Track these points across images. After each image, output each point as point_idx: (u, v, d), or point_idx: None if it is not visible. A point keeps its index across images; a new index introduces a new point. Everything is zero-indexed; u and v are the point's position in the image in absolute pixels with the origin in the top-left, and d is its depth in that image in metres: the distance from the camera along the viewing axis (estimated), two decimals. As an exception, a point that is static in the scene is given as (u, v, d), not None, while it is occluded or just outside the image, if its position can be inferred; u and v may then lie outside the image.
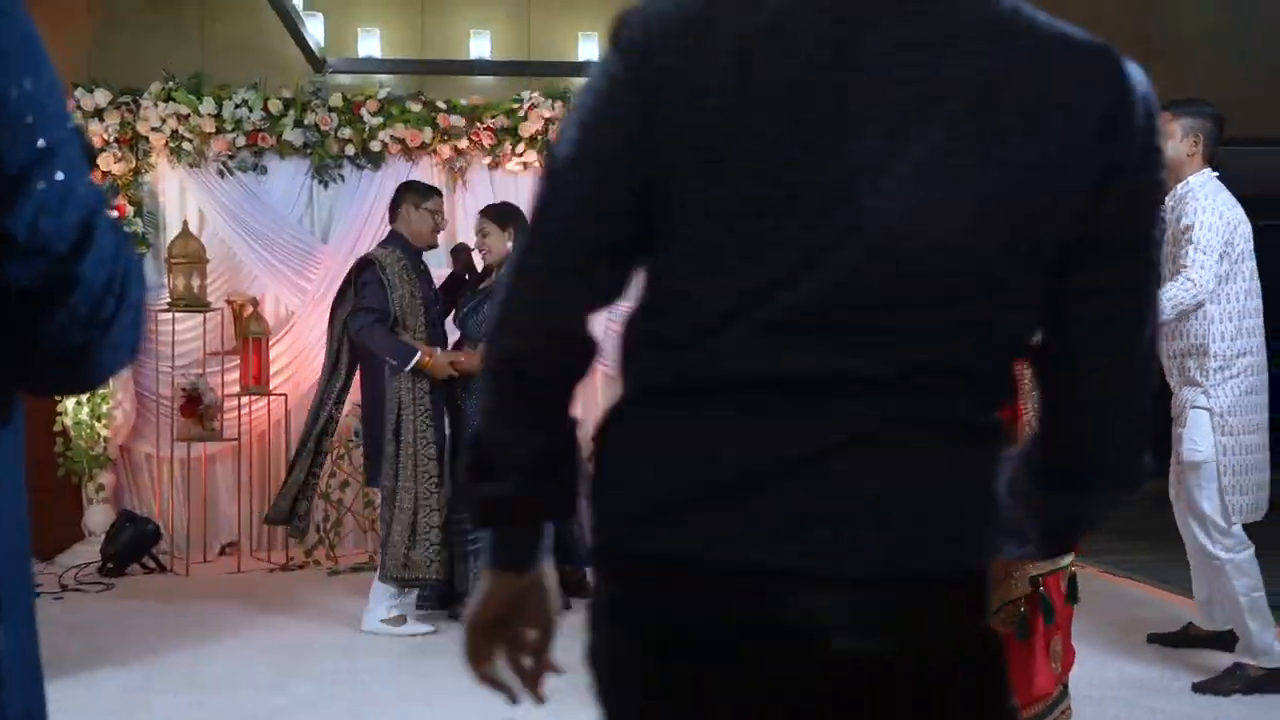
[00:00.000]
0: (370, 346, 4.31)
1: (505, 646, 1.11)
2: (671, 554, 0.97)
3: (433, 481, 4.23)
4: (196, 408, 5.64)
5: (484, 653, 1.12)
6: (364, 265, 4.41)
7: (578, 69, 6.45)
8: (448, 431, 4.36)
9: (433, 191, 4.66)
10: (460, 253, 4.84)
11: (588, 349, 1.07)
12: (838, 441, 0.93)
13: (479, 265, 4.74)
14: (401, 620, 4.23)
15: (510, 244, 4.48)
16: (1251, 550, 3.48)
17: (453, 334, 4.79)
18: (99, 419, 5.82)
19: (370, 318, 4.25)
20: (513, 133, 6.22)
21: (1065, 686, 2.81)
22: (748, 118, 0.93)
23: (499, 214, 4.57)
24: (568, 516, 1.09)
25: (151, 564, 5.59)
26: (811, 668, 0.94)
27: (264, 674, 3.63)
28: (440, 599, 4.44)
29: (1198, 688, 3.47)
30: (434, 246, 4.69)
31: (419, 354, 4.24)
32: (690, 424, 0.97)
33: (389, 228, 4.64)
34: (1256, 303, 3.56)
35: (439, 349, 4.41)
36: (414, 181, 4.80)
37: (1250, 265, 3.53)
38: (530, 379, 1.05)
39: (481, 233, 4.54)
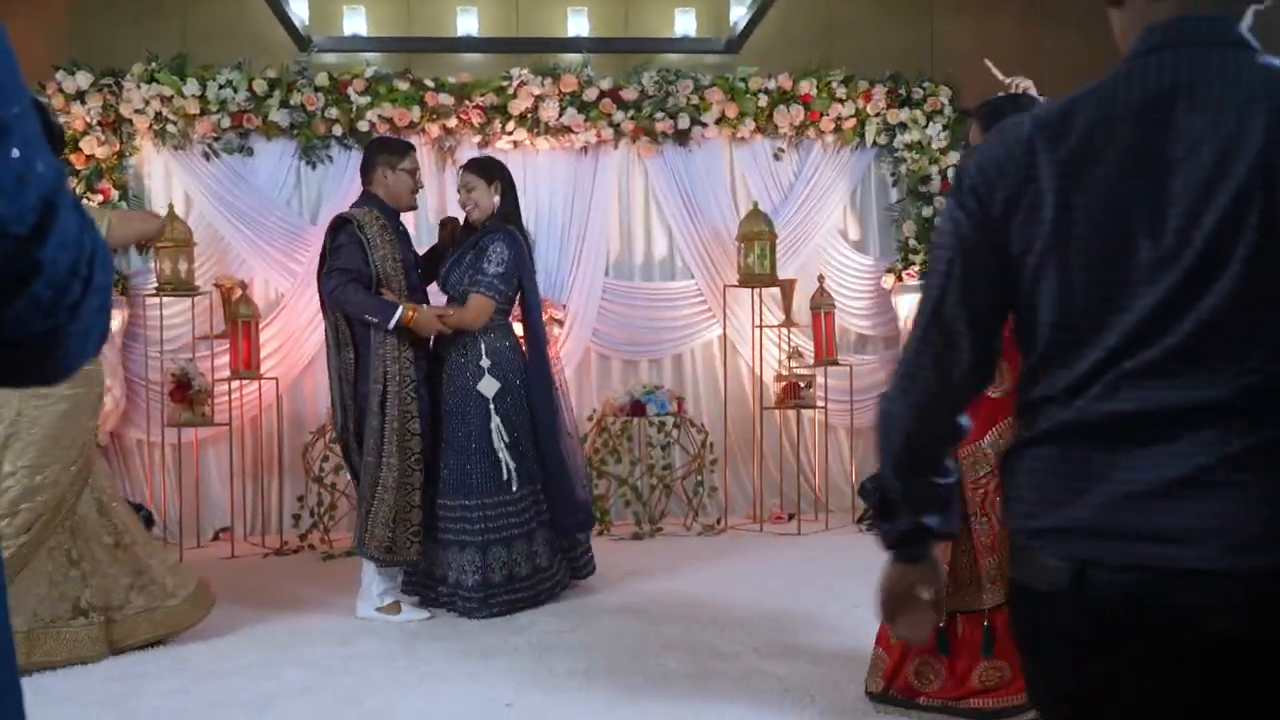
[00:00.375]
0: (345, 308, 4.07)
1: (906, 609, 1.49)
2: (1083, 555, 1.19)
3: (414, 458, 4.11)
4: (186, 393, 5.58)
5: (895, 614, 1.50)
6: (340, 225, 4.19)
7: (567, 45, 6.38)
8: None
9: (407, 149, 4.39)
10: (447, 224, 4.66)
11: (957, 430, 1.43)
12: (1210, 461, 1.14)
13: (462, 224, 4.55)
14: (397, 608, 4.17)
15: (497, 198, 4.33)
16: None
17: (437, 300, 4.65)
18: (88, 405, 5.74)
19: (345, 277, 4.04)
20: (502, 110, 6.14)
21: None
22: (1078, 228, 1.20)
23: (483, 167, 4.40)
24: (952, 534, 1.51)
25: (144, 551, 5.53)
26: (1211, 648, 1.13)
27: (254, 660, 3.58)
28: (424, 583, 4.31)
29: None
30: (413, 208, 4.47)
31: (400, 309, 4.04)
32: (1079, 455, 1.22)
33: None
34: None
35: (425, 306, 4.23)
36: (386, 139, 4.51)
37: None
38: (917, 459, 1.41)
39: (467, 188, 4.34)
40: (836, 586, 4.54)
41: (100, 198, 5.90)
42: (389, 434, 4.07)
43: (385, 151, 4.33)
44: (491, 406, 4.22)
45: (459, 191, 4.43)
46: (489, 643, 3.77)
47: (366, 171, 4.35)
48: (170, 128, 6.00)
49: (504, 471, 4.19)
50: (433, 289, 4.55)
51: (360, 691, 3.29)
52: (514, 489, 4.21)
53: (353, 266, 4.06)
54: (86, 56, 6.02)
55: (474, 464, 4.18)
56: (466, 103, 6.10)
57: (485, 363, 4.24)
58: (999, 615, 2.69)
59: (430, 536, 4.20)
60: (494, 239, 4.27)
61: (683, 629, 3.93)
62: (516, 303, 4.45)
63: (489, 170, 4.39)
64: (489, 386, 4.23)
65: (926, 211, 6.42)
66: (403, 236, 4.34)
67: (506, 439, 4.21)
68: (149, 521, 5.55)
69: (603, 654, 3.62)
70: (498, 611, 4.10)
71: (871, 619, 3.77)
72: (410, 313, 4.08)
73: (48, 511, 3.49)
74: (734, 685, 3.29)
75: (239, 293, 5.72)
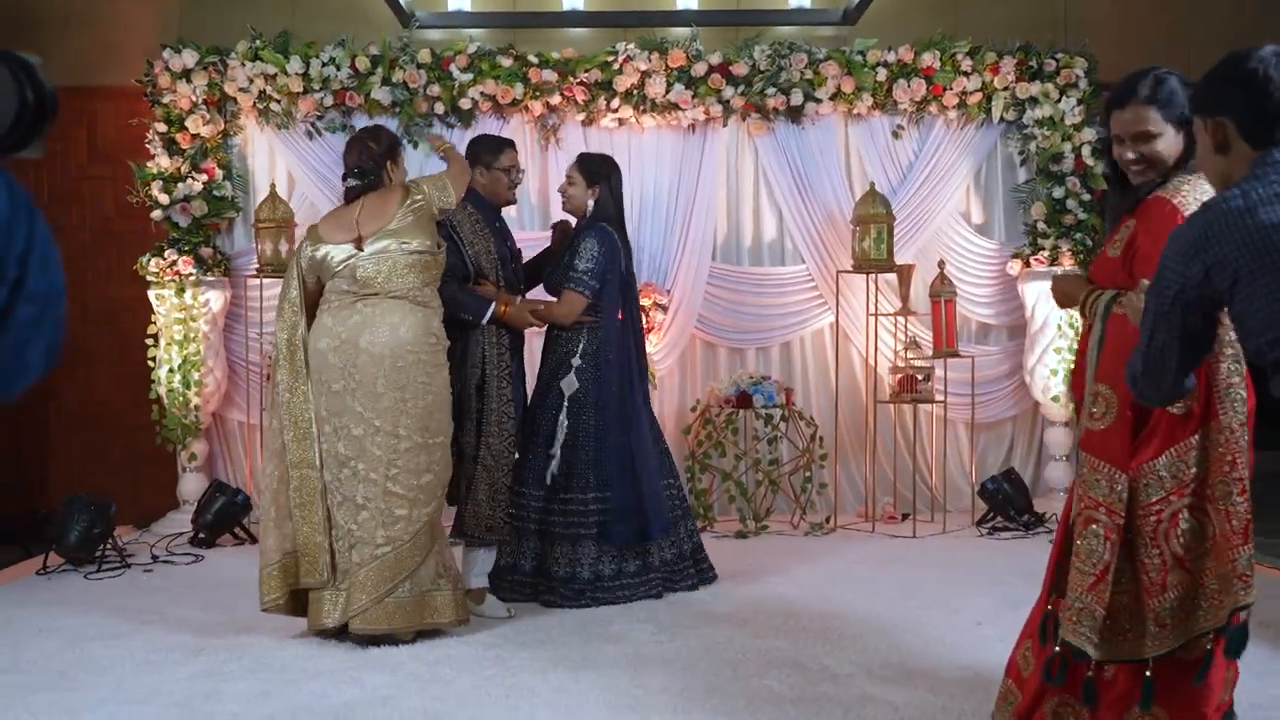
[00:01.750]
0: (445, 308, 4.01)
1: None
2: None
3: (509, 440, 4.12)
4: (284, 376, 5.49)
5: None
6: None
7: (674, 18, 6.12)
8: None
9: (503, 146, 4.31)
10: (559, 228, 4.53)
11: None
12: None
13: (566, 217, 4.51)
14: (482, 597, 4.04)
15: (591, 202, 4.28)
16: None
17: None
18: (190, 386, 5.74)
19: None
20: (607, 87, 5.92)
21: (1232, 709, 2.45)
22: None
23: (590, 171, 4.32)
24: None
25: (243, 535, 5.50)
26: None
27: (338, 663, 3.44)
28: (531, 585, 4.23)
29: None
30: (511, 203, 4.39)
31: (493, 304, 4.07)
32: None
33: None
34: None
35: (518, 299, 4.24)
36: (484, 137, 4.40)
37: None
38: None
39: (569, 179, 4.36)
40: (956, 600, 4.22)
41: (204, 177, 5.87)
42: (488, 416, 4.07)
43: (483, 151, 4.28)
44: (565, 404, 4.21)
45: (565, 178, 4.41)
46: (581, 653, 3.56)
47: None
48: (274, 106, 5.93)
49: (549, 473, 4.19)
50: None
51: (443, 702, 3.11)
52: (557, 490, 4.19)
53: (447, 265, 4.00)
54: (197, 35, 6.00)
55: (534, 455, 4.22)
56: (570, 79, 5.89)
57: (577, 361, 4.22)
58: (1165, 665, 2.34)
59: (550, 536, 4.24)
60: (586, 235, 4.25)
61: (789, 643, 3.66)
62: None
63: (592, 172, 4.32)
64: (569, 385, 4.21)
65: (1058, 192, 5.99)
66: (500, 231, 4.29)
67: (563, 439, 4.18)
68: (247, 505, 5.52)
69: (701, 670, 3.38)
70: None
71: (997, 640, 3.47)
72: (503, 307, 4.10)
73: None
74: (845, 714, 3.01)
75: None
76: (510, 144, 4.35)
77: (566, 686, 3.25)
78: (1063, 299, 2.67)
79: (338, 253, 3.67)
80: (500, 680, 3.30)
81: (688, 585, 4.37)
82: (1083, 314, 2.54)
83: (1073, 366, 2.75)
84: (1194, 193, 2.36)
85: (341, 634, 3.64)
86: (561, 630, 3.83)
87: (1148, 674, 2.32)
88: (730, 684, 3.25)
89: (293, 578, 3.67)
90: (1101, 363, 2.41)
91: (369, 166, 3.78)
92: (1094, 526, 2.35)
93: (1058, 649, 2.41)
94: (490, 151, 4.26)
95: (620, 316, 4.31)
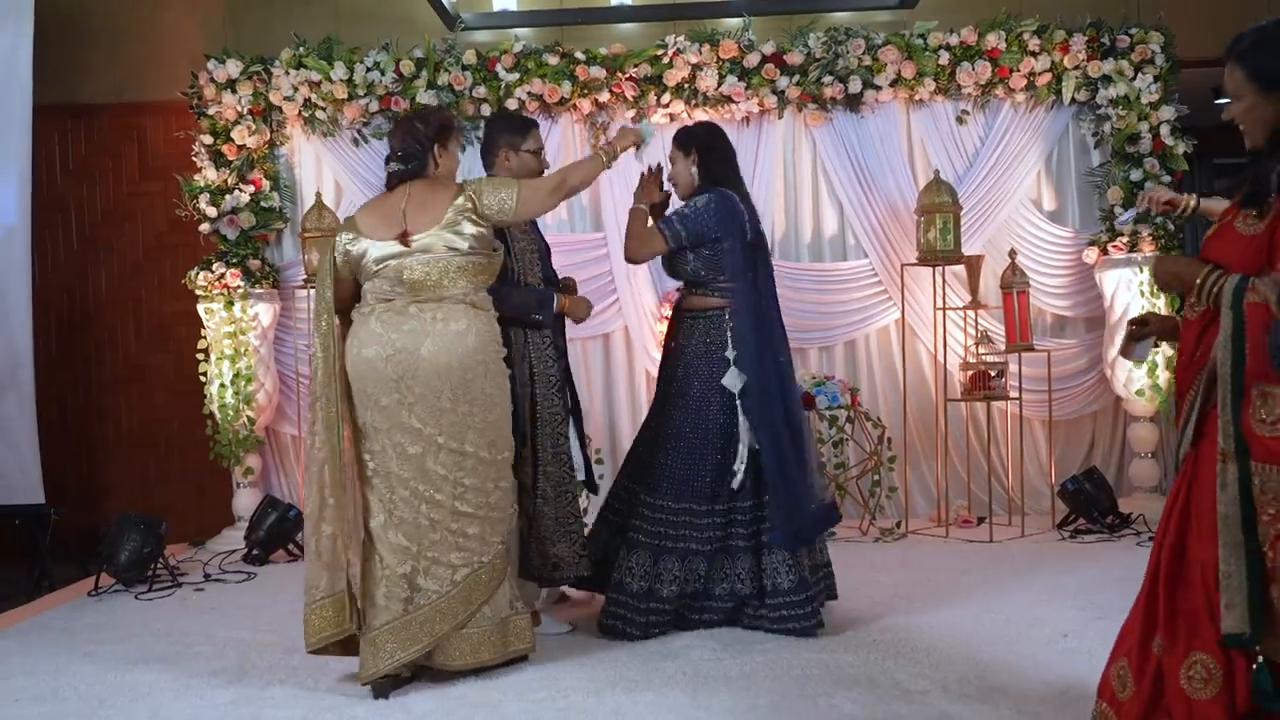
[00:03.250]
0: (504, 310, 3.57)
1: None
2: None
3: (569, 463, 3.82)
4: (334, 388, 5.39)
5: None
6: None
7: (725, 8, 5.92)
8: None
9: (528, 126, 3.95)
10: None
11: None
12: None
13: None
14: (537, 620, 3.84)
15: (695, 169, 3.88)
16: None
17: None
18: (242, 401, 5.66)
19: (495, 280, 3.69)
20: (657, 81, 5.74)
21: None
22: None
23: (677, 137, 3.97)
24: None
25: (296, 551, 5.40)
26: None
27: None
28: (597, 579, 3.92)
29: None
30: None
31: (556, 297, 3.82)
32: None
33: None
34: None
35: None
36: (504, 115, 4.11)
37: None
38: None
39: (671, 160, 3.98)
40: (1039, 609, 3.96)
41: (251, 189, 5.80)
42: (542, 441, 3.74)
43: (505, 132, 3.90)
44: (739, 404, 3.72)
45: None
46: (639, 672, 3.36)
47: (486, 154, 3.94)
48: (319, 114, 5.85)
49: (733, 475, 3.70)
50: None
51: (492, 728, 2.94)
52: (739, 499, 3.73)
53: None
54: (242, 45, 5.95)
55: (699, 464, 3.72)
56: (619, 75, 5.71)
57: (731, 353, 3.74)
58: None
59: (612, 537, 3.91)
60: (700, 192, 3.85)
61: (859, 658, 3.43)
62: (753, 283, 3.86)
63: (684, 141, 3.93)
64: (734, 380, 3.72)
65: (1135, 175, 5.67)
66: (533, 224, 3.97)
67: (754, 443, 3.70)
68: (299, 521, 5.42)
69: (765, 689, 3.16)
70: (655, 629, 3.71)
71: (1085, 654, 3.21)
72: (564, 301, 3.87)
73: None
74: (920, 737, 2.78)
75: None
76: (534, 124, 4.00)
77: (623, 708, 3.06)
78: (1170, 279, 2.33)
79: (378, 249, 3.27)
80: (552, 703, 3.11)
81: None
82: (1198, 298, 2.22)
83: (1176, 359, 2.39)
84: None
85: (412, 678, 3.29)
86: (618, 647, 3.64)
87: None
88: (796, 703, 3.04)
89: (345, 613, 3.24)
90: (1254, 358, 2.09)
91: (414, 150, 3.37)
92: None
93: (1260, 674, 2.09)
94: (515, 132, 3.89)
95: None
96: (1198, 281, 2.21)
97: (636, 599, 3.69)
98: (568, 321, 4.01)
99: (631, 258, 3.90)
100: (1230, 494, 2.10)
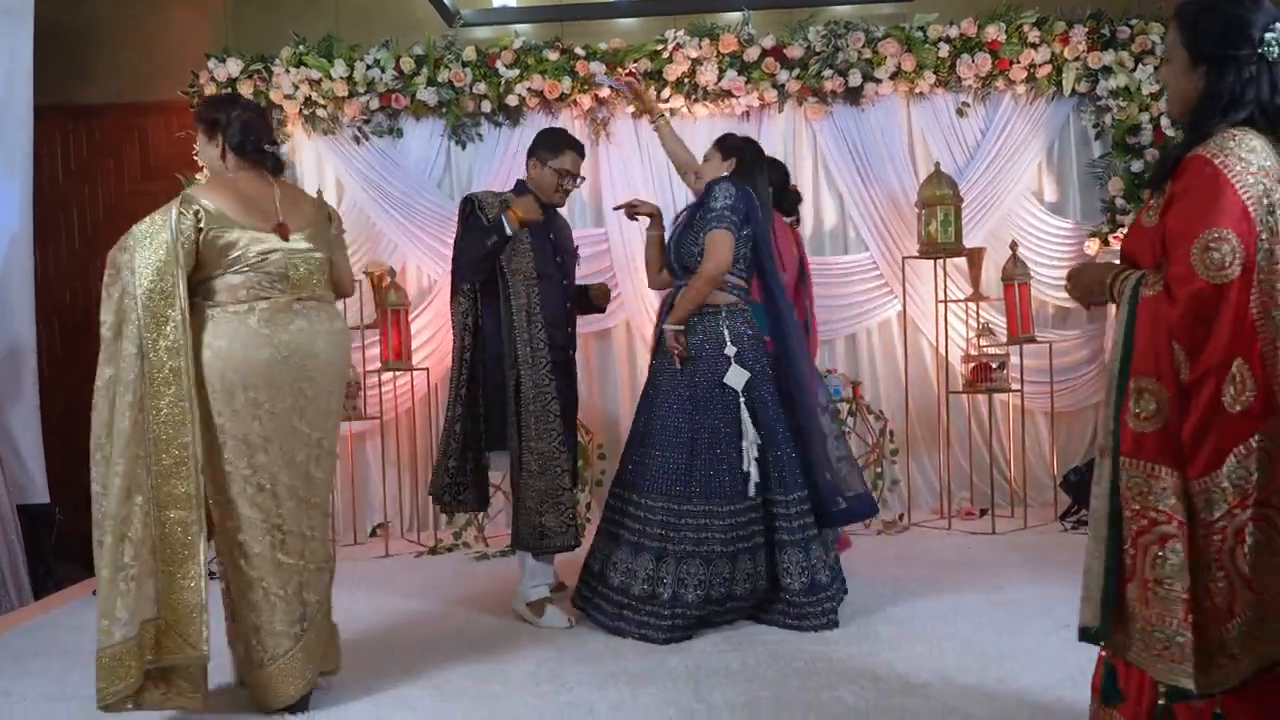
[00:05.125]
0: (471, 260, 3.88)
1: None
2: None
3: (558, 440, 3.85)
4: (336, 385, 5.39)
5: None
6: (461, 206, 4.06)
7: (723, 3, 5.91)
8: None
9: (566, 147, 4.07)
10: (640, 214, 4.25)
11: None
12: None
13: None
14: (542, 609, 3.86)
15: (726, 173, 3.88)
16: None
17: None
18: (245, 399, 5.66)
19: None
20: (657, 76, 5.73)
21: None
22: None
23: (722, 143, 4.02)
24: None
25: (301, 547, 5.41)
26: None
27: (384, 682, 3.29)
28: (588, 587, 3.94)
29: None
30: (557, 205, 4.16)
31: (506, 217, 3.84)
32: None
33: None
34: None
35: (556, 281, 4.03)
36: (552, 131, 4.22)
37: None
38: None
39: (706, 157, 4.03)
40: (1040, 601, 3.97)
41: (252, 187, 5.80)
42: (526, 418, 3.83)
43: (543, 146, 4.09)
44: (741, 400, 3.69)
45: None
46: (641, 666, 3.37)
47: (528, 157, 4.16)
48: (320, 112, 5.85)
49: (746, 477, 3.66)
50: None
51: (495, 722, 2.95)
52: (750, 497, 3.67)
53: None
54: (242, 44, 5.95)
55: (715, 465, 3.67)
56: (619, 70, 5.71)
57: (730, 350, 3.72)
58: (1235, 698, 2.03)
59: (610, 538, 3.86)
60: (715, 184, 3.79)
61: (862, 650, 3.44)
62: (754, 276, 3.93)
63: (726, 146, 3.99)
64: (737, 378, 3.70)
65: (1136, 166, 5.67)
66: (553, 223, 4.15)
67: (757, 439, 3.68)
68: (303, 518, 5.42)
69: (768, 682, 3.17)
70: (679, 634, 3.61)
71: (1088, 644, 3.21)
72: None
73: None
74: (922, 728, 2.79)
75: (388, 280, 5.51)
76: (576, 147, 4.10)
77: (625, 702, 3.06)
78: (1084, 293, 2.26)
79: (260, 242, 3.01)
80: (554, 697, 3.12)
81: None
82: (1113, 300, 2.17)
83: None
84: (1240, 149, 1.99)
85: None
86: (620, 641, 3.65)
87: (1217, 711, 2.04)
88: (799, 695, 3.04)
89: (151, 653, 2.87)
90: (1138, 353, 2.05)
91: (276, 145, 3.23)
92: (1171, 544, 2.00)
93: (1163, 702, 2.06)
94: (548, 148, 4.06)
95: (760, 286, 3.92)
96: (1106, 284, 2.18)
97: (662, 606, 3.60)
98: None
99: (716, 272, 3.71)
100: (1102, 488, 2.10)
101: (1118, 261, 2.24)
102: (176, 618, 2.89)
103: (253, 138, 3.13)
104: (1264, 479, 1.98)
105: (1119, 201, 5.69)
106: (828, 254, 5.97)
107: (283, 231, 3.05)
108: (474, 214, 3.93)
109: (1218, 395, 1.97)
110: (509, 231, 3.83)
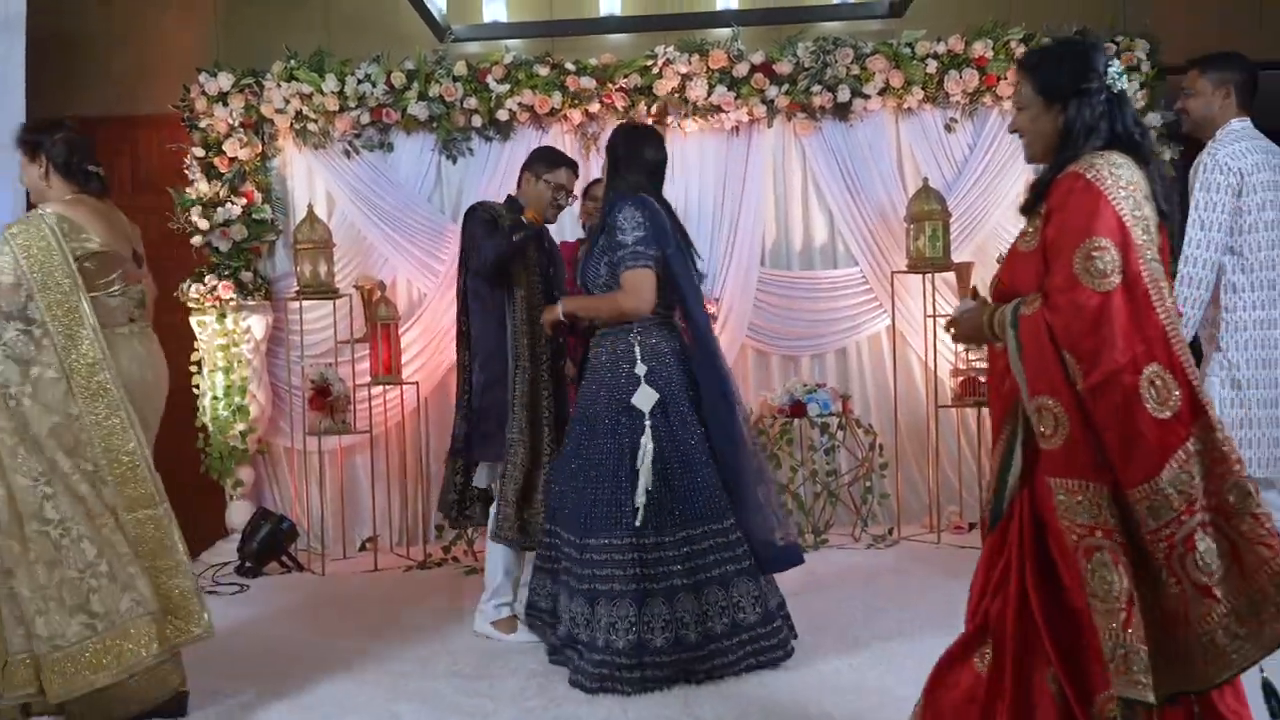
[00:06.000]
0: (502, 256, 3.86)
1: None
2: None
3: (549, 435, 3.88)
4: (326, 399, 5.41)
5: None
6: (467, 215, 4.11)
7: (714, 18, 5.94)
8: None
9: (561, 163, 4.10)
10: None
11: None
12: None
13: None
14: (512, 625, 3.87)
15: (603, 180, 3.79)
16: None
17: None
18: (235, 414, 5.66)
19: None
20: (647, 92, 5.76)
21: None
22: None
23: (609, 151, 3.79)
24: None
25: (289, 562, 5.40)
26: None
27: (373, 697, 3.30)
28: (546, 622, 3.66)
29: None
30: (550, 223, 4.19)
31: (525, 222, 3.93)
32: None
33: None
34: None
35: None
36: (547, 149, 4.27)
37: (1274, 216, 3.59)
38: None
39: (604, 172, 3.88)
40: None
41: (243, 201, 5.80)
42: (518, 411, 3.88)
43: (539, 161, 4.15)
44: (648, 424, 3.42)
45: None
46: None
47: (520, 172, 4.22)
48: (311, 126, 5.87)
49: (641, 507, 3.33)
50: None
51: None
52: (649, 532, 3.34)
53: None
54: (233, 58, 5.96)
55: (606, 493, 3.41)
56: (609, 85, 5.74)
57: (641, 369, 3.47)
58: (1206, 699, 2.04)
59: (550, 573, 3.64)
60: (617, 206, 3.55)
61: (850, 664, 3.45)
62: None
63: (608, 149, 3.77)
64: (645, 399, 3.44)
65: (1123, 182, 5.70)
66: (544, 247, 4.19)
67: (656, 465, 3.38)
68: (293, 532, 5.42)
69: (756, 697, 3.18)
70: (628, 688, 3.24)
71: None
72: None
73: None
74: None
75: (378, 294, 5.52)
76: (569, 164, 4.13)
77: (615, 716, 3.07)
78: (968, 337, 2.33)
79: (128, 265, 3.18)
80: (544, 711, 3.14)
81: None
82: (993, 339, 2.20)
83: (988, 389, 2.37)
84: (1108, 165, 2.10)
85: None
86: (610, 656, 3.65)
87: (1196, 709, 2.05)
88: (788, 710, 3.06)
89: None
90: (1030, 374, 2.08)
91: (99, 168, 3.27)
92: (1100, 555, 2.00)
93: (1116, 715, 2.03)
94: (545, 163, 4.11)
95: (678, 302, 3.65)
96: (984, 323, 2.22)
97: (624, 655, 3.25)
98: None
99: (635, 312, 3.48)
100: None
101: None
102: (185, 601, 3.03)
103: (77, 158, 3.19)
104: (1207, 483, 1.99)
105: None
106: (817, 268, 5.99)
107: (138, 259, 3.23)
108: (492, 218, 4.00)
109: (1136, 401, 1.98)
110: (530, 229, 3.93)
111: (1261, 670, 2.10)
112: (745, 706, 3.09)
